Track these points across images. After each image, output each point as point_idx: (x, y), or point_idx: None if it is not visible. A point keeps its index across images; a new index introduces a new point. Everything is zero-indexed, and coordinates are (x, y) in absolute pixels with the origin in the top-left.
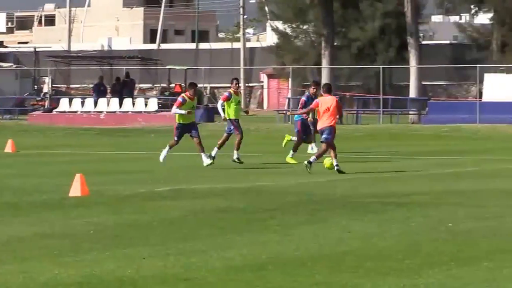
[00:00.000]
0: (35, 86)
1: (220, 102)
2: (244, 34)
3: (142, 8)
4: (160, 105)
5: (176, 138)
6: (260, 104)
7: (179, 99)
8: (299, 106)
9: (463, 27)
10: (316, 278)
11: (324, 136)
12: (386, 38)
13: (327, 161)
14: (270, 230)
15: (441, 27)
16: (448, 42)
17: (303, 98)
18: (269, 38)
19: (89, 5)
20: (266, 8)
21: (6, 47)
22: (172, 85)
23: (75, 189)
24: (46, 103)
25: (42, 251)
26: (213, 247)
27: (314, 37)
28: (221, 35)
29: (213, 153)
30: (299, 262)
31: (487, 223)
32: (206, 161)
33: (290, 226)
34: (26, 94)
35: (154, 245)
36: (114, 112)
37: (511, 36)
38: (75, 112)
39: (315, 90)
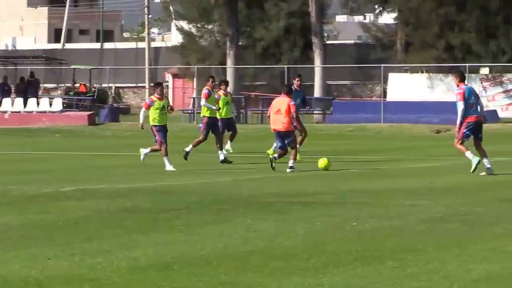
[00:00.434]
0: None
1: (203, 100)
2: (149, 33)
3: (47, 8)
4: (64, 105)
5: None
6: None
7: (147, 100)
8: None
9: (367, 27)
10: (222, 278)
11: (286, 142)
12: (291, 38)
13: (322, 162)
14: (176, 230)
15: (346, 27)
16: (352, 42)
17: None
18: (174, 38)
19: None
20: (171, 8)
21: None
22: (77, 85)
23: None
24: None
25: None
26: (119, 247)
27: (219, 37)
28: (126, 34)
29: (221, 155)
30: (204, 261)
31: (391, 222)
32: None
33: (196, 225)
34: None
35: (59, 245)
36: (18, 112)
37: (415, 36)
38: None
39: (299, 82)
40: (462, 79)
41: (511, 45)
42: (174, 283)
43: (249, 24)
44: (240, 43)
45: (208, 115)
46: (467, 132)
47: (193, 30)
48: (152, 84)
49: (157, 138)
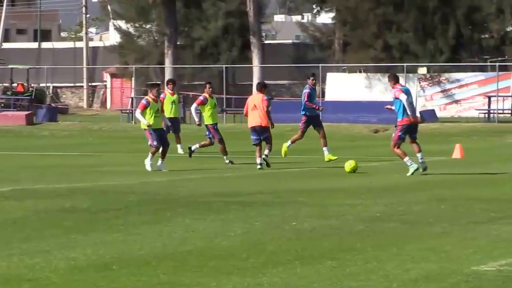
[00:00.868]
0: None
1: (194, 105)
2: (86, 33)
3: None
4: (2, 105)
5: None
6: (103, 104)
7: (143, 101)
8: (305, 99)
9: (305, 26)
10: (161, 278)
11: (262, 137)
12: (229, 37)
13: (349, 164)
14: (114, 230)
15: (284, 26)
16: (290, 41)
17: (307, 91)
18: (112, 38)
19: None
20: (109, 7)
21: None
22: (15, 84)
23: None
24: None
25: None
26: (57, 247)
27: (157, 37)
28: (63, 34)
29: (192, 148)
30: (143, 261)
31: (329, 221)
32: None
33: (134, 225)
34: None
35: None
36: None
37: (353, 36)
38: None
39: (314, 81)
40: (396, 80)
41: (449, 45)
42: (113, 283)
43: (187, 23)
44: (178, 43)
45: (211, 123)
46: (402, 135)
47: (131, 29)
48: (148, 83)
49: (150, 141)
